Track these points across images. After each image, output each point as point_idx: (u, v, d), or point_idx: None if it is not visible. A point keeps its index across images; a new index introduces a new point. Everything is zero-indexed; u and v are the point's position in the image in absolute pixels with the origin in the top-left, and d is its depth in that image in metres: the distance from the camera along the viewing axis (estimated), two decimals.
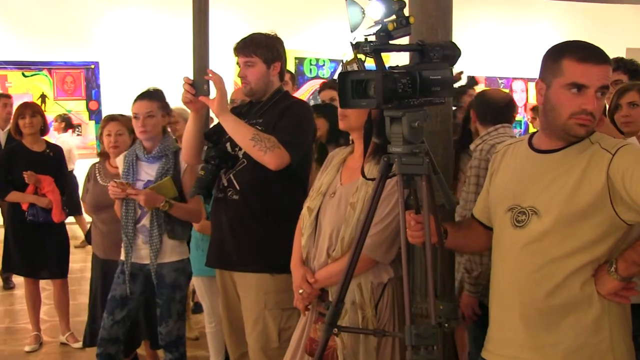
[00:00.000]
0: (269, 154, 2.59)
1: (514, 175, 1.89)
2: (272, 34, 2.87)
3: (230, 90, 3.33)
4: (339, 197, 2.26)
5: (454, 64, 1.85)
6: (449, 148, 2.58)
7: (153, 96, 3.29)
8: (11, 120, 4.93)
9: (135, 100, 3.29)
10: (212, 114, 2.88)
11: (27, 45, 8.23)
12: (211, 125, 3.06)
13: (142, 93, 3.32)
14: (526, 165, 1.87)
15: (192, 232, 3.56)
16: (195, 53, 4.30)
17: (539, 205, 1.77)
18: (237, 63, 2.85)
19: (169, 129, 3.57)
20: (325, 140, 3.67)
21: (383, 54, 1.73)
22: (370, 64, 1.79)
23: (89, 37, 8.47)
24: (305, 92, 9.21)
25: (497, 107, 3.08)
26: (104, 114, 8.01)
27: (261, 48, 2.78)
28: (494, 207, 1.95)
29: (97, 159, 4.07)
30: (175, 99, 3.32)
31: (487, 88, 5.90)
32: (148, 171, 3.30)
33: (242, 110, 2.89)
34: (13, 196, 4.49)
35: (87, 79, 8.52)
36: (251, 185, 2.73)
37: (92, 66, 8.54)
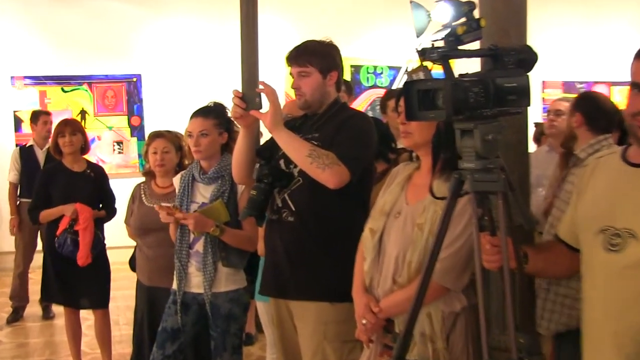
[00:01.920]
0: (328, 171, 2.61)
1: (605, 192, 1.86)
2: (328, 41, 2.90)
3: (282, 103, 3.38)
4: (405, 217, 2.27)
5: (530, 69, 1.84)
6: (526, 162, 2.55)
7: (209, 113, 3.36)
8: (50, 139, 5.06)
9: (190, 118, 3.37)
10: (263, 129, 2.91)
11: (65, 58, 8.41)
12: (262, 141, 3.10)
13: (198, 110, 3.40)
14: (620, 181, 1.84)
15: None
16: (244, 63, 4.35)
17: (637, 226, 1.74)
18: (290, 73, 2.89)
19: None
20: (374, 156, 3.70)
21: (451, 61, 1.74)
22: (437, 70, 1.80)
23: (130, 49, 8.61)
24: (362, 103, 9.20)
25: (611, 114, 3.03)
26: (147, 130, 8.24)
27: (316, 57, 2.82)
28: (582, 228, 1.91)
29: (140, 179, 4.15)
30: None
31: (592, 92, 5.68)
32: (203, 193, 3.37)
33: (297, 125, 2.92)
34: (45, 215, 4.57)
35: (128, 92, 8.65)
36: (308, 205, 2.76)
37: (134, 79, 8.65)
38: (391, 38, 9.03)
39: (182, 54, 8.69)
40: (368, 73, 9.42)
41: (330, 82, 2.85)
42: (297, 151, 2.66)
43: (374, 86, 9.41)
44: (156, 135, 3.96)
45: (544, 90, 9.88)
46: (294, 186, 2.79)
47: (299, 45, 2.87)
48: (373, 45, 9.22)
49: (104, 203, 4.67)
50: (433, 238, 1.89)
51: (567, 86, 10.17)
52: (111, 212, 4.69)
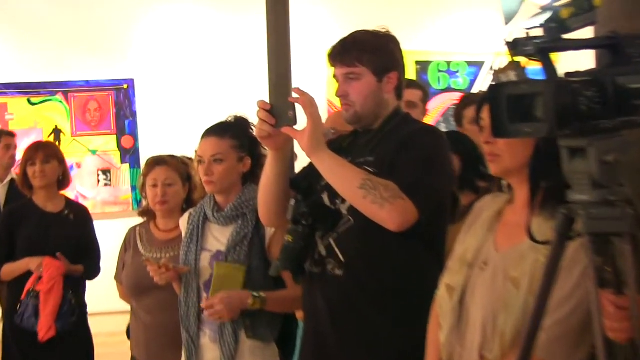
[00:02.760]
0: (388, 208, 2.62)
1: None
2: (384, 31, 2.94)
3: (324, 115, 3.41)
4: (494, 269, 2.27)
5: None
6: None
7: (226, 131, 3.42)
8: (16, 168, 5.09)
9: (201, 138, 3.43)
10: (299, 151, 2.94)
11: (33, 60, 8.38)
12: (298, 169, 3.14)
13: (212, 127, 3.46)
14: None
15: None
16: (272, 63, 4.37)
17: None
18: (334, 76, 2.93)
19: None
20: (458, 185, 3.70)
21: (554, 55, 1.75)
22: (534, 67, 1.80)
23: (120, 46, 8.62)
24: (432, 112, 9.05)
25: None
26: (143, 154, 8.28)
27: (369, 53, 2.85)
28: None
29: (134, 220, 4.20)
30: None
31: None
32: (219, 237, 3.42)
33: (344, 145, 2.96)
34: (8, 271, 4.61)
35: (118, 104, 8.67)
36: (361, 253, 2.78)
37: (125, 86, 8.67)
38: (470, 24, 9.06)
39: (189, 53, 8.71)
40: (439, 71, 9.40)
41: (388, 87, 2.89)
42: (346, 181, 2.69)
43: (448, 89, 9.38)
44: (156, 161, 4.02)
45: None
46: (343, 228, 2.82)
47: (345, 38, 2.90)
48: (446, 34, 9.23)
49: (85, 255, 4.71)
50: (534, 298, 1.88)
51: None
52: (94, 268, 4.70)
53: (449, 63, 9.38)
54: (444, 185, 2.83)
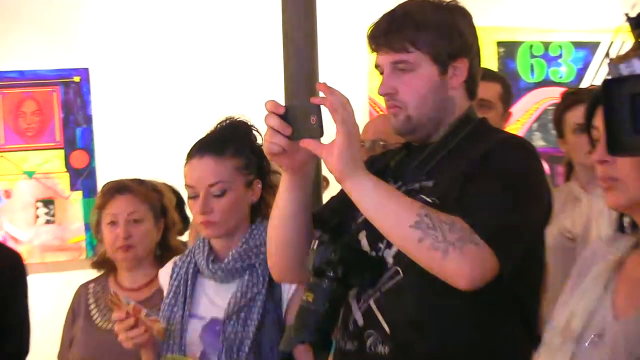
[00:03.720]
0: (454, 257, 2.61)
1: None
2: (446, 1, 2.96)
3: (363, 121, 3.41)
4: (614, 345, 2.26)
5: None
6: None
7: (225, 146, 3.47)
8: None
9: (188, 156, 3.47)
10: (326, 171, 2.95)
11: None
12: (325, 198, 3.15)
13: (203, 142, 3.50)
14: None
15: None
16: (288, 49, 4.43)
17: None
18: (376, 66, 2.95)
19: None
20: None
21: None
22: None
23: (69, 23, 8.53)
24: (522, 117, 8.92)
25: None
26: (101, 177, 8.21)
27: (428, 32, 2.86)
28: None
29: (86, 274, 4.32)
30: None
31: None
32: (215, 299, 3.49)
33: (391, 164, 2.99)
34: None
35: (66, 104, 8.59)
36: (415, 322, 2.78)
37: (77, 78, 8.60)
38: None
39: (167, 34, 8.60)
40: (533, 57, 9.23)
41: (455, 81, 2.91)
42: (394, 217, 2.68)
43: (545, 82, 9.19)
44: (117, 188, 4.12)
45: None
46: (388, 285, 2.82)
47: (392, 11, 2.92)
48: (542, 3, 9.15)
49: (7, 332, 4.66)
50: None
51: None
52: (18, 349, 4.72)
53: (546, 45, 9.18)
54: (537, 224, 2.83)
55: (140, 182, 4.21)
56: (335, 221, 2.96)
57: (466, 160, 2.79)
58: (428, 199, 2.74)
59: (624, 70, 1.86)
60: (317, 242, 2.87)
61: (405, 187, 2.83)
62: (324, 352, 2.93)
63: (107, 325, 3.92)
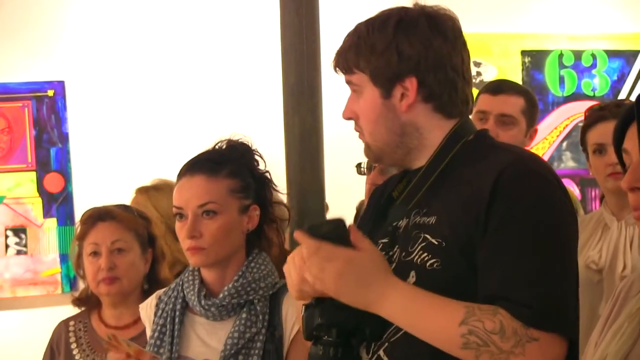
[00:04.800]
0: None
1: None
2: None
3: None
4: None
5: None
6: None
7: (219, 167, 3.45)
8: None
9: (178, 177, 3.48)
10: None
11: None
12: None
13: (195, 161, 3.49)
14: None
15: None
16: (287, 60, 4.34)
17: None
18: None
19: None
20: None
21: None
22: None
23: (43, 32, 8.60)
24: (551, 134, 8.98)
25: None
26: (80, 203, 8.24)
27: (363, 53, 2.82)
28: None
29: (65, 311, 4.35)
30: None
31: None
32: (208, 339, 3.46)
33: (395, 194, 2.95)
34: None
35: (38, 121, 8.71)
36: None
37: (50, 92, 8.69)
38: None
39: (152, 43, 8.66)
40: (562, 66, 9.26)
41: (404, 103, 2.81)
42: (438, 339, 2.62)
43: (577, 96, 9.23)
44: (99, 215, 4.12)
45: None
46: (397, 334, 2.73)
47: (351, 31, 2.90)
48: (572, 8, 9.15)
49: None
50: None
51: None
52: None
53: (578, 54, 9.21)
54: (573, 271, 2.72)
55: (125, 208, 4.25)
56: None
57: (464, 187, 2.74)
58: (434, 240, 2.71)
59: None
60: (304, 307, 2.83)
61: (409, 223, 2.82)
62: None
63: None
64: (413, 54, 2.82)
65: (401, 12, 2.86)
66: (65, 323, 4.18)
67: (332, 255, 2.62)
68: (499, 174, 2.70)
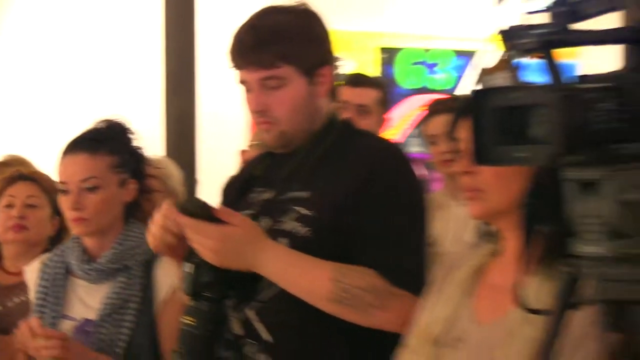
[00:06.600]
0: (381, 317, 2.73)
1: None
2: (301, 6, 2.99)
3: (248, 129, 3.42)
4: (473, 349, 2.32)
5: None
6: None
7: (99, 145, 3.48)
8: None
9: (63, 154, 3.48)
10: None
11: None
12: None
13: (76, 140, 3.52)
14: None
15: None
16: (170, 50, 4.48)
17: None
18: (241, 82, 2.96)
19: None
20: None
21: (562, 51, 1.77)
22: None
23: None
24: (400, 123, 8.96)
25: None
26: None
27: (293, 44, 2.90)
28: None
29: None
30: None
31: None
32: (88, 300, 3.50)
33: (257, 173, 3.08)
34: None
35: None
36: (297, 330, 2.86)
37: None
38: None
39: (34, 28, 8.51)
40: (413, 64, 9.30)
41: (322, 89, 2.95)
42: (311, 295, 2.75)
43: (424, 89, 9.28)
44: (20, 175, 4.17)
45: None
46: (268, 295, 2.86)
47: (254, 24, 2.93)
48: (423, 10, 9.17)
49: None
50: None
51: None
52: None
53: (426, 52, 9.29)
54: (426, 241, 2.94)
55: (40, 175, 4.21)
56: None
57: (339, 169, 2.86)
58: (306, 211, 2.82)
59: (491, 82, 1.91)
60: (191, 265, 2.85)
61: (281, 197, 2.91)
62: None
63: None
64: (327, 43, 2.98)
65: (302, 6, 2.97)
66: None
67: (208, 233, 2.69)
68: (370, 156, 2.88)
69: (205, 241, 2.70)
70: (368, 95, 4.80)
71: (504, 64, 1.92)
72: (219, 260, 2.71)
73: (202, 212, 2.74)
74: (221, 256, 2.70)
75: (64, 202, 3.46)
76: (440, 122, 4.42)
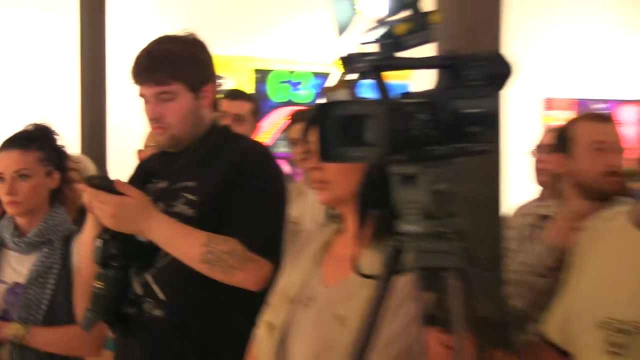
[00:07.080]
0: (240, 276, 2.72)
1: (610, 269, 1.97)
2: (190, 36, 2.99)
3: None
4: (320, 306, 2.33)
5: (501, 87, 1.90)
6: (497, 224, 2.66)
7: (30, 143, 3.44)
8: None
9: (0, 150, 3.42)
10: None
11: None
12: None
13: (12, 138, 3.46)
14: (630, 254, 1.96)
15: None
16: (85, 64, 4.42)
17: None
18: (140, 95, 2.93)
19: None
20: None
21: (389, 74, 1.79)
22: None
23: None
24: (270, 129, 8.99)
25: None
26: None
27: (183, 66, 2.90)
28: (574, 321, 2.03)
29: None
30: None
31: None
32: (17, 267, 3.42)
33: (154, 166, 3.06)
34: None
35: None
36: (183, 290, 2.83)
37: None
38: (316, 31, 8.98)
39: None
40: (280, 82, 9.30)
41: (205, 102, 2.95)
42: (185, 257, 2.74)
43: (289, 102, 9.26)
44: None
45: (548, 112, 9.85)
46: (162, 262, 2.84)
47: (150, 51, 2.92)
48: (289, 40, 9.18)
49: None
50: (361, 336, 1.93)
51: (582, 106, 10.12)
52: None
53: (291, 73, 9.33)
54: (283, 215, 2.92)
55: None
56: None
57: (220, 164, 2.86)
58: (192, 197, 2.82)
59: (334, 97, 1.93)
60: (101, 240, 2.84)
61: (173, 186, 2.88)
62: (117, 325, 2.95)
63: None
64: (212, 66, 2.98)
65: (191, 35, 2.98)
66: None
67: (107, 201, 2.69)
68: (243, 154, 2.89)
69: (104, 207, 2.69)
70: (243, 107, 4.79)
71: (344, 83, 1.94)
72: (115, 224, 2.71)
73: (104, 184, 2.74)
74: (117, 221, 2.70)
75: (1, 189, 3.37)
76: (299, 128, 4.26)
